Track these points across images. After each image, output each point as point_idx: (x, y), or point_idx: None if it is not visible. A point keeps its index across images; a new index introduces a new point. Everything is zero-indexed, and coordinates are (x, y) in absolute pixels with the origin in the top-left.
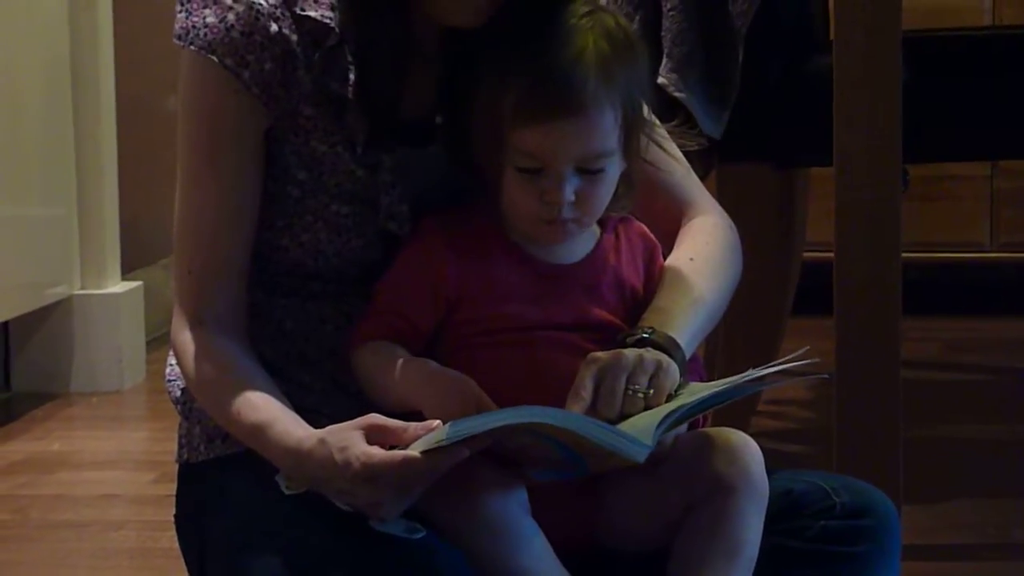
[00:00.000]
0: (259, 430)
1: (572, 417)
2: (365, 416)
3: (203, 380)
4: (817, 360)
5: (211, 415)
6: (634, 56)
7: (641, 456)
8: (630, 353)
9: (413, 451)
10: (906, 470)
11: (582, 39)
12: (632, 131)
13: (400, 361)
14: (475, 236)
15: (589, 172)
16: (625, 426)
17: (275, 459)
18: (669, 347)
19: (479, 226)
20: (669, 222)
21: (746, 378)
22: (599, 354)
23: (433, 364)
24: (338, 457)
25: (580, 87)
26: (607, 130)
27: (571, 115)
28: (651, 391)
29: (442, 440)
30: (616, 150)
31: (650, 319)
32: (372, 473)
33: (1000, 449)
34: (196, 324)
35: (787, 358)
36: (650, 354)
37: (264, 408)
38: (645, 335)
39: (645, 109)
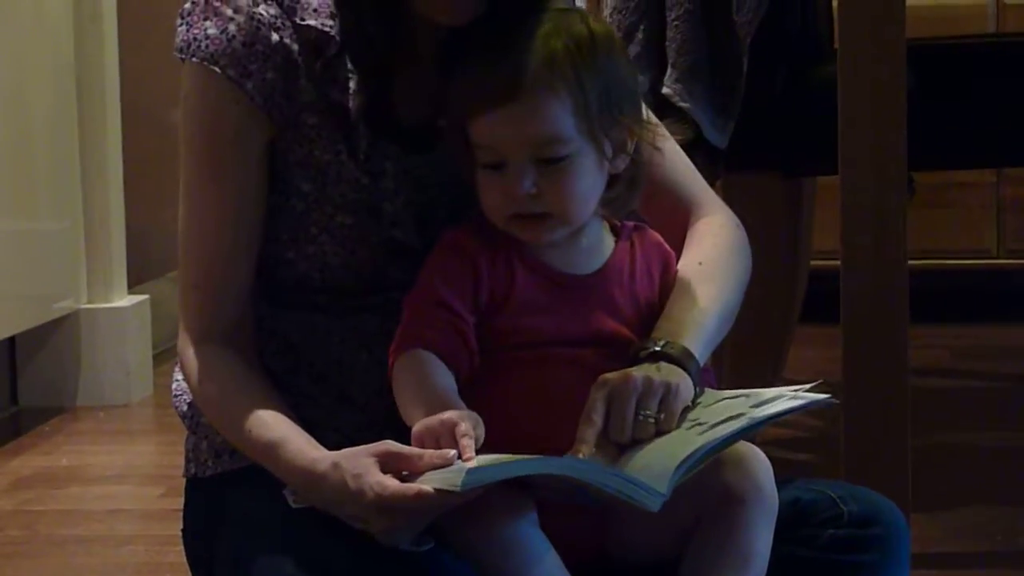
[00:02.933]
0: (270, 448)
1: (588, 469)
2: (380, 443)
3: (211, 397)
4: (829, 396)
5: (220, 432)
6: (592, 52)
7: (656, 506)
8: (639, 375)
9: (427, 485)
10: (914, 478)
11: (532, 33)
12: (596, 123)
13: (417, 384)
14: (496, 243)
15: (549, 162)
16: (641, 471)
17: (286, 478)
18: (683, 358)
19: (499, 234)
20: (675, 222)
21: (759, 409)
22: (609, 376)
23: (440, 397)
24: (352, 484)
25: (519, 73)
26: (553, 115)
27: (509, 100)
28: (661, 415)
29: (456, 487)
30: (575, 139)
31: (662, 329)
32: (385, 504)
33: (1008, 456)
34: (202, 340)
35: (797, 389)
36: (660, 374)
37: (275, 426)
38: (657, 348)
39: (628, 106)
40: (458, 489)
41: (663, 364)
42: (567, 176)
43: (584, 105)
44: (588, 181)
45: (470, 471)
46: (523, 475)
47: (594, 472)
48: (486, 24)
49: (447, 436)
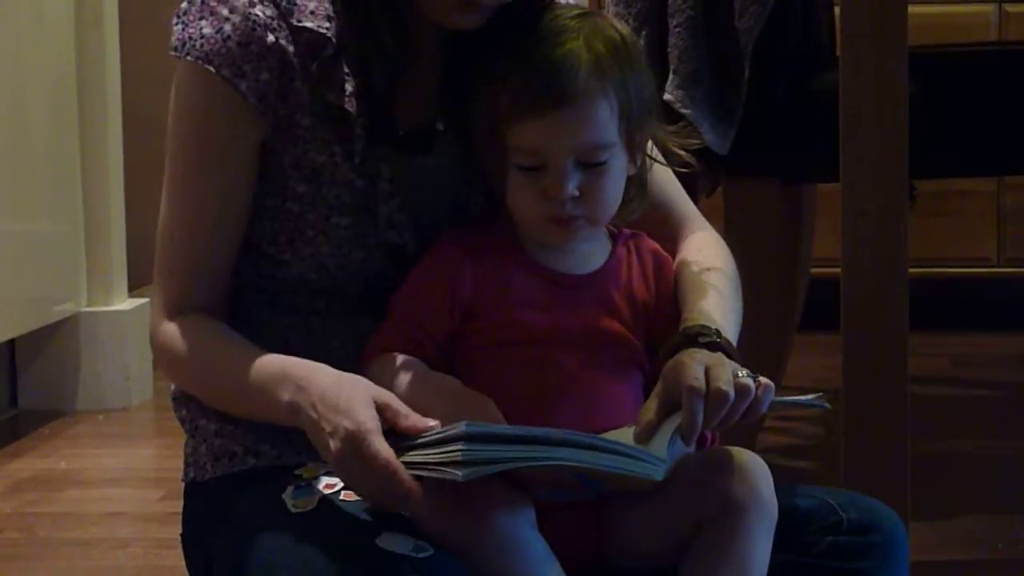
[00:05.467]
0: (276, 376)
1: (586, 452)
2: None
3: (192, 355)
4: (828, 406)
5: (202, 392)
6: (628, 55)
7: (659, 474)
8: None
9: (414, 454)
10: (914, 486)
11: (573, 36)
12: (634, 126)
13: (420, 376)
14: (491, 247)
15: (591, 166)
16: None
17: (304, 397)
18: (732, 353)
19: (495, 238)
20: (663, 237)
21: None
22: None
23: (455, 381)
24: (343, 404)
25: (571, 78)
26: (602, 121)
27: (563, 105)
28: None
29: (458, 476)
30: (616, 143)
31: (703, 319)
32: (360, 443)
33: (1008, 464)
34: (175, 313)
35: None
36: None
37: (271, 357)
38: (717, 339)
39: (650, 112)
40: (459, 478)
41: (721, 355)
42: (605, 179)
43: (628, 108)
44: (620, 184)
45: (471, 449)
46: (524, 466)
47: (592, 457)
48: (508, 29)
49: None
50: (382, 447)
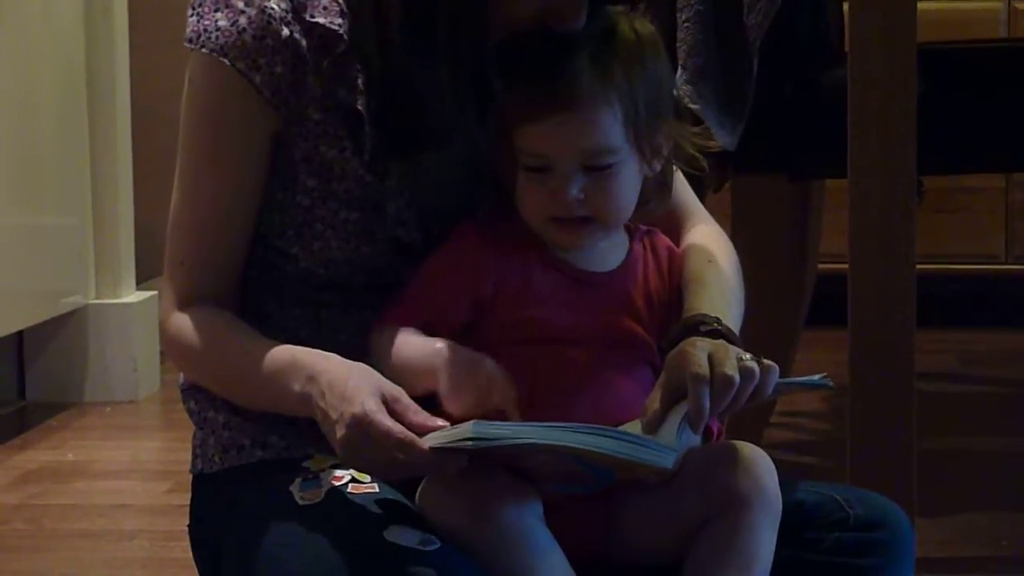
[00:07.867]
0: (286, 366)
1: (595, 438)
2: (391, 383)
3: (202, 346)
4: (832, 385)
5: (213, 383)
6: (641, 58)
7: (669, 461)
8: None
9: (425, 441)
10: (920, 482)
11: (584, 39)
12: (643, 130)
13: (419, 338)
14: (512, 240)
15: (596, 169)
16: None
17: (308, 386)
18: (733, 340)
19: (516, 231)
20: (668, 229)
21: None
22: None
23: (451, 342)
24: (350, 392)
25: (573, 83)
26: (606, 126)
27: (564, 110)
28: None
29: (467, 442)
30: (623, 147)
31: (705, 309)
32: (368, 426)
33: (1014, 461)
34: (185, 304)
35: (802, 379)
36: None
37: (281, 348)
38: (718, 326)
39: (667, 110)
40: (469, 445)
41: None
42: (612, 182)
43: (634, 114)
44: (630, 186)
45: (478, 424)
46: (533, 443)
47: (602, 441)
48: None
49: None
50: (393, 424)
